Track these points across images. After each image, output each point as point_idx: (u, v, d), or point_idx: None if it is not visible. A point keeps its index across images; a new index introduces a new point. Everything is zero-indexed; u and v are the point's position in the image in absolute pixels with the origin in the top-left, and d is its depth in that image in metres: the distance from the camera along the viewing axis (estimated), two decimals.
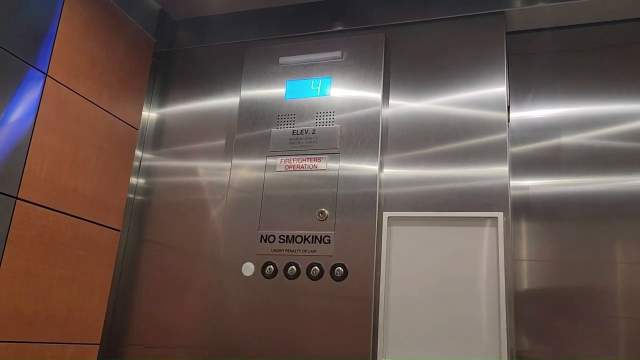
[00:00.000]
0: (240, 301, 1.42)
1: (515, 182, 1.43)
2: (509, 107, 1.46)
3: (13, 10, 1.31)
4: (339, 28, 1.65)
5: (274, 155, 1.53)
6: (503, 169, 1.36)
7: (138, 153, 1.73)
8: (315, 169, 1.48)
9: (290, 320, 1.36)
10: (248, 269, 1.44)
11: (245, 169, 1.54)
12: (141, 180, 1.73)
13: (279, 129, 1.55)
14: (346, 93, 1.53)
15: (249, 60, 1.67)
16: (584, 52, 1.51)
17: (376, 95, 1.50)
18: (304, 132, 1.52)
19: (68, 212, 1.43)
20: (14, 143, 1.29)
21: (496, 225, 1.30)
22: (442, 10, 1.55)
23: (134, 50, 1.72)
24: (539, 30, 1.56)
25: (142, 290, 1.60)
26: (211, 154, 1.67)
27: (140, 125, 1.74)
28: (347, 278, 1.35)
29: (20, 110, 1.31)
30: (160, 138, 1.76)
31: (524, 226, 1.41)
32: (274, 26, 1.72)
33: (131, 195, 1.70)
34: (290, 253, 1.41)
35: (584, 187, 1.40)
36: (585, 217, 1.38)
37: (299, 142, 1.52)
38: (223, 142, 1.67)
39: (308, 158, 1.49)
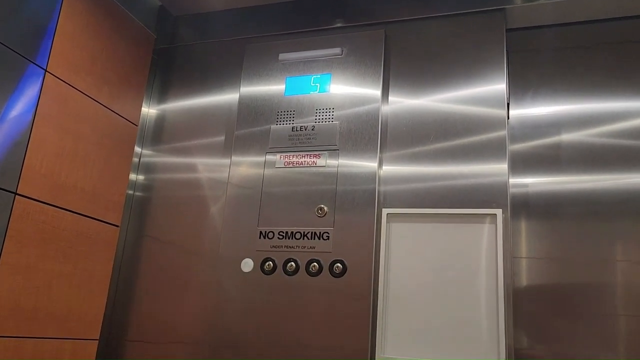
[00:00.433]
0: (239, 297, 1.42)
1: (514, 180, 1.43)
2: (508, 105, 1.46)
3: (13, 5, 1.31)
4: (339, 25, 1.64)
5: (273, 151, 1.53)
6: (502, 167, 1.36)
7: (137, 149, 1.74)
8: (314, 165, 1.48)
9: (289, 317, 1.37)
10: (247, 265, 1.44)
11: (245, 166, 1.54)
12: (141, 177, 1.73)
13: (278, 125, 1.55)
14: (346, 90, 1.53)
15: (248, 56, 1.67)
16: (584, 50, 1.51)
17: (376, 92, 1.50)
18: (304, 129, 1.52)
19: (67, 208, 1.44)
20: (14, 138, 1.29)
21: (495, 223, 1.30)
22: (442, 7, 1.55)
23: (134, 46, 1.72)
24: (539, 27, 1.55)
25: (141, 286, 1.61)
26: (211, 150, 1.67)
27: (140, 121, 1.74)
28: (346, 274, 1.35)
29: (19, 105, 1.31)
30: (159, 134, 1.76)
31: (523, 224, 1.41)
32: (273, 22, 1.72)
33: (130, 192, 1.70)
34: (290, 249, 1.42)
35: (583, 185, 1.40)
36: (585, 215, 1.38)
37: (298, 139, 1.52)
38: (222, 138, 1.67)
39: (307, 154, 1.49)
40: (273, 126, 1.56)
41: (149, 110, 1.79)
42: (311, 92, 1.56)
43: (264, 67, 1.64)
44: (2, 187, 1.26)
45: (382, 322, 1.31)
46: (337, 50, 1.57)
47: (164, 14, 1.85)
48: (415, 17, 1.57)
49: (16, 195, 1.29)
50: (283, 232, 1.44)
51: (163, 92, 1.80)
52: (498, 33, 1.48)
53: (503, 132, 1.38)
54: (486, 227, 1.31)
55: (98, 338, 1.51)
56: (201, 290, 1.53)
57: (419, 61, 1.53)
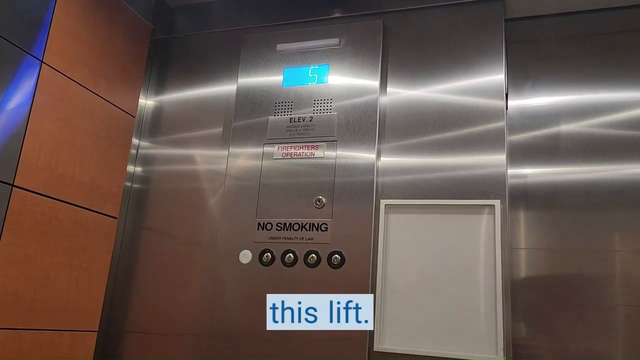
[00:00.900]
0: (237, 289, 1.42)
1: (513, 171, 1.43)
2: (507, 95, 1.46)
3: None
4: (337, 15, 1.63)
5: (271, 143, 1.53)
6: (501, 157, 1.35)
7: (135, 141, 1.73)
8: (312, 156, 1.47)
9: None
10: (245, 256, 1.44)
11: (243, 157, 1.54)
12: (138, 168, 1.72)
13: (276, 116, 1.55)
14: (344, 80, 1.52)
15: (246, 47, 1.66)
16: (583, 39, 1.50)
17: (374, 82, 1.49)
18: (302, 120, 1.52)
19: (65, 200, 1.43)
20: (11, 130, 1.29)
21: (493, 213, 1.30)
22: None
23: (131, 37, 1.70)
24: (538, 17, 1.54)
25: (140, 277, 1.61)
26: (208, 142, 1.67)
27: (138, 112, 1.73)
28: (344, 265, 1.35)
29: (16, 97, 1.30)
30: (157, 126, 1.75)
31: (522, 215, 1.41)
32: (271, 13, 1.71)
33: (128, 184, 1.69)
34: (288, 241, 1.42)
35: (582, 176, 1.40)
36: (584, 205, 1.38)
37: (296, 130, 1.51)
38: (220, 129, 1.66)
39: (305, 146, 1.49)
40: (271, 117, 1.55)
41: (147, 102, 1.79)
42: (309, 83, 1.55)
43: (262, 57, 1.63)
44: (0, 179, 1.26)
45: (380, 314, 1.31)
46: (335, 40, 1.56)
47: (160, 4, 1.83)
48: (414, 7, 1.56)
49: (13, 187, 1.29)
50: (281, 224, 1.44)
51: (160, 84, 1.80)
52: (497, 23, 1.47)
53: (502, 123, 1.38)
54: (484, 218, 1.31)
55: (97, 330, 1.52)
56: (199, 281, 1.53)
57: (417, 52, 1.52)
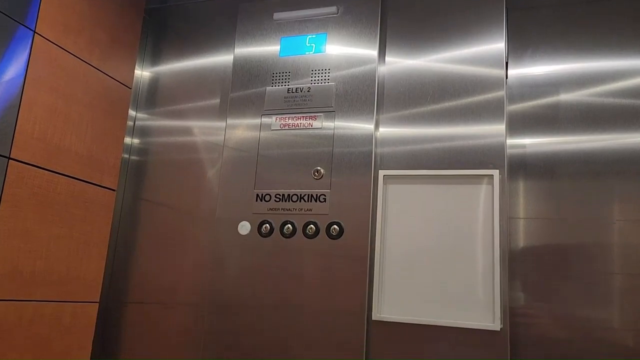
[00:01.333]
0: (236, 260, 1.43)
1: (512, 141, 1.42)
2: (507, 64, 1.44)
3: None
4: None
5: (269, 113, 1.51)
6: (500, 127, 1.34)
7: (132, 113, 1.71)
8: (310, 127, 1.46)
9: (286, 278, 1.38)
10: (244, 227, 1.44)
11: (241, 128, 1.53)
12: (136, 140, 1.71)
13: (273, 87, 1.53)
14: (342, 50, 1.50)
15: (242, 15, 1.63)
16: (585, 6, 1.47)
17: (372, 52, 1.47)
18: (299, 90, 1.50)
19: (62, 172, 1.43)
20: (5, 102, 1.27)
21: (492, 183, 1.30)
22: None
23: (125, 5, 1.67)
24: None
25: (139, 249, 1.61)
26: (206, 113, 1.65)
27: (134, 84, 1.71)
28: (342, 236, 1.36)
29: (9, 68, 1.28)
30: (154, 97, 1.74)
31: (520, 185, 1.41)
32: None
33: (126, 156, 1.69)
34: (286, 212, 1.42)
35: (581, 145, 1.39)
36: (582, 174, 1.37)
37: (294, 101, 1.50)
38: (218, 100, 1.65)
39: (303, 116, 1.48)
40: (268, 88, 1.53)
41: (142, 73, 1.76)
42: (306, 53, 1.53)
43: (258, 27, 1.60)
44: None
45: (379, 283, 1.32)
46: (333, 9, 1.53)
47: None
48: None
49: (10, 160, 1.28)
50: (280, 195, 1.43)
51: (156, 54, 1.77)
52: None
53: (501, 93, 1.37)
54: (483, 188, 1.31)
55: (98, 300, 1.53)
56: (199, 252, 1.54)
57: (416, 20, 1.49)
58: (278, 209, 1.43)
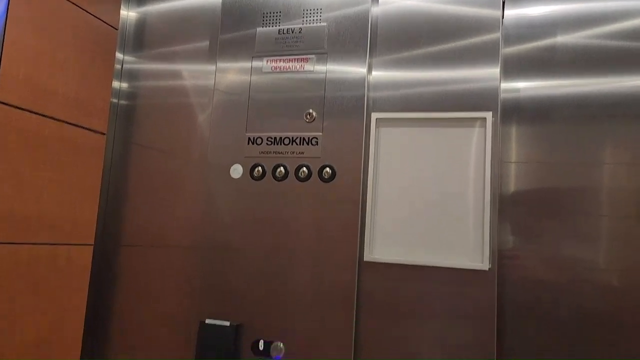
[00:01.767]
0: (229, 203, 1.44)
1: (506, 85, 1.40)
2: (504, 4, 1.40)
3: None
4: None
5: (259, 56, 1.48)
6: (494, 71, 1.33)
7: (119, 56, 1.67)
8: (302, 70, 1.44)
9: (279, 221, 1.39)
10: (236, 171, 1.44)
11: (231, 72, 1.50)
12: (124, 84, 1.68)
13: (264, 28, 1.49)
14: None
15: None
16: None
17: None
18: (290, 32, 1.47)
19: (51, 116, 1.40)
20: None
21: (485, 126, 1.30)
22: None
23: None
24: None
25: (132, 193, 1.61)
26: (195, 56, 1.62)
27: (120, 25, 1.66)
28: (335, 179, 1.36)
29: None
30: (141, 39, 1.69)
31: (514, 128, 1.41)
32: None
33: (115, 100, 1.66)
34: (278, 155, 1.41)
35: (576, 89, 1.38)
36: (577, 118, 1.37)
37: (285, 42, 1.46)
38: (207, 43, 1.61)
39: (295, 59, 1.45)
40: (259, 29, 1.49)
41: (129, 13, 1.71)
42: None
43: None
44: None
45: (371, 225, 1.34)
46: None
47: None
48: None
49: None
50: (271, 138, 1.43)
51: None
52: None
53: (497, 34, 1.34)
54: (476, 131, 1.31)
55: (93, 243, 1.54)
56: (192, 196, 1.54)
57: None
58: (270, 153, 1.42)
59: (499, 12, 1.35)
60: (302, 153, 1.39)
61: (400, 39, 1.41)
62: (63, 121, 1.44)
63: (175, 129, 1.60)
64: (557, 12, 1.41)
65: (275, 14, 1.49)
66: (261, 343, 1.35)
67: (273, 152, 1.42)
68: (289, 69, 1.45)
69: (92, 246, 1.54)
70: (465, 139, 1.32)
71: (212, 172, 1.46)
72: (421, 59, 1.39)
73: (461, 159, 1.31)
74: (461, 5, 1.38)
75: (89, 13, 1.53)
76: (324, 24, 1.44)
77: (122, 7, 1.67)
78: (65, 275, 1.46)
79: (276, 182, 1.41)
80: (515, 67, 1.42)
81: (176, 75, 1.63)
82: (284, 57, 1.46)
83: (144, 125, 1.64)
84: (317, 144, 1.39)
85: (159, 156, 1.60)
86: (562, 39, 1.40)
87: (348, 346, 1.31)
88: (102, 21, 1.58)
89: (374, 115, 1.37)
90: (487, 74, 1.33)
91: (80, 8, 1.49)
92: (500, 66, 1.34)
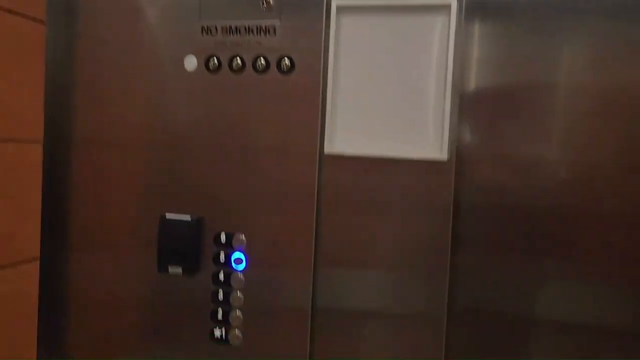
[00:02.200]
0: (184, 98, 1.39)
1: None
2: None
3: None
4: None
5: None
6: None
7: None
8: None
9: (237, 115, 1.36)
10: (191, 63, 1.37)
11: None
12: None
13: None
14: None
15: None
16: None
17: None
18: None
19: None
20: None
21: (448, 14, 1.25)
22: None
23: None
24: None
25: (80, 89, 1.52)
26: None
27: None
28: (294, 71, 1.32)
29: None
30: None
31: (477, 25, 1.36)
32: None
33: None
34: (234, 46, 1.35)
35: None
36: (542, 15, 1.33)
37: None
38: None
39: None
40: None
41: None
42: None
43: None
44: None
45: (331, 118, 1.32)
46: None
47: None
48: None
49: None
50: (226, 27, 1.35)
51: None
52: None
53: None
54: (439, 22, 1.27)
55: (42, 141, 1.48)
56: (144, 91, 1.47)
57: None
58: (225, 43, 1.35)
59: None
60: (260, 43, 1.33)
61: None
62: None
63: (121, 17, 1.48)
64: None
65: None
66: (223, 235, 1.37)
67: (228, 43, 1.35)
68: None
69: (42, 145, 1.48)
70: (428, 30, 1.27)
71: (165, 65, 1.39)
72: None
73: (423, 50, 1.28)
74: None
75: None
76: None
77: None
78: (15, 172, 1.41)
79: (233, 74, 1.35)
80: None
81: None
82: None
83: (87, 16, 1.52)
84: (274, 33, 1.32)
85: (107, 48, 1.50)
86: None
87: (309, 239, 1.34)
88: None
89: (334, 3, 1.30)
90: None
91: None
92: None
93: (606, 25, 1.29)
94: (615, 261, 1.24)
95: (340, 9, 1.31)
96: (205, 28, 1.36)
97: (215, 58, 1.35)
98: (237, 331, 1.39)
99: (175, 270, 1.38)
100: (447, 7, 1.25)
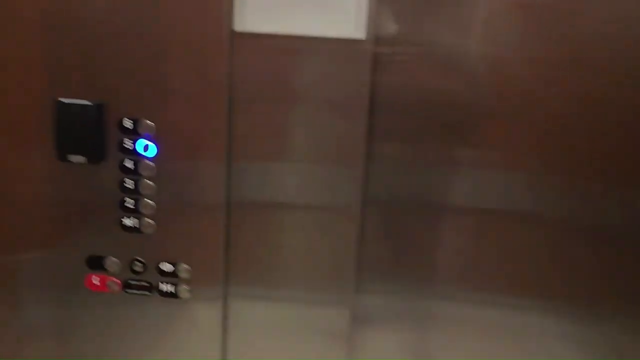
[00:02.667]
0: None
1: None
2: None
3: None
4: None
5: None
6: None
7: None
8: None
9: None
10: None
11: None
12: None
13: None
14: None
15: None
16: None
17: None
18: None
19: None
20: None
21: None
22: None
23: None
24: None
25: None
26: None
27: None
28: None
29: None
30: None
31: None
32: None
33: None
34: None
35: None
36: None
37: None
38: None
39: None
40: None
41: None
42: None
43: None
44: None
45: None
46: None
47: None
48: None
49: None
50: None
51: None
52: None
53: None
54: None
55: None
56: None
57: None
58: None
59: None
60: None
61: None
62: None
63: None
64: None
65: None
66: (126, 120, 1.28)
67: None
68: None
69: None
70: None
71: None
72: None
73: None
74: None
75: None
76: None
77: None
78: None
79: None
80: None
81: None
82: None
83: None
84: None
85: None
86: None
87: (222, 127, 1.28)
88: None
89: None
90: None
91: None
92: None
93: None
94: (522, 151, 1.27)
95: None
96: None
97: None
98: (150, 220, 1.34)
99: (77, 158, 1.29)
100: None
